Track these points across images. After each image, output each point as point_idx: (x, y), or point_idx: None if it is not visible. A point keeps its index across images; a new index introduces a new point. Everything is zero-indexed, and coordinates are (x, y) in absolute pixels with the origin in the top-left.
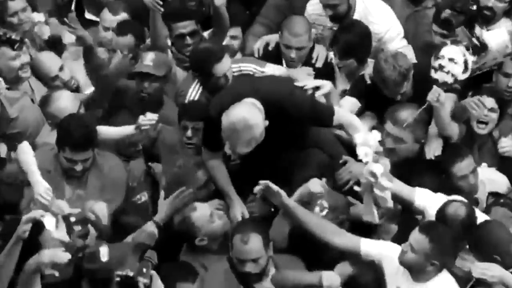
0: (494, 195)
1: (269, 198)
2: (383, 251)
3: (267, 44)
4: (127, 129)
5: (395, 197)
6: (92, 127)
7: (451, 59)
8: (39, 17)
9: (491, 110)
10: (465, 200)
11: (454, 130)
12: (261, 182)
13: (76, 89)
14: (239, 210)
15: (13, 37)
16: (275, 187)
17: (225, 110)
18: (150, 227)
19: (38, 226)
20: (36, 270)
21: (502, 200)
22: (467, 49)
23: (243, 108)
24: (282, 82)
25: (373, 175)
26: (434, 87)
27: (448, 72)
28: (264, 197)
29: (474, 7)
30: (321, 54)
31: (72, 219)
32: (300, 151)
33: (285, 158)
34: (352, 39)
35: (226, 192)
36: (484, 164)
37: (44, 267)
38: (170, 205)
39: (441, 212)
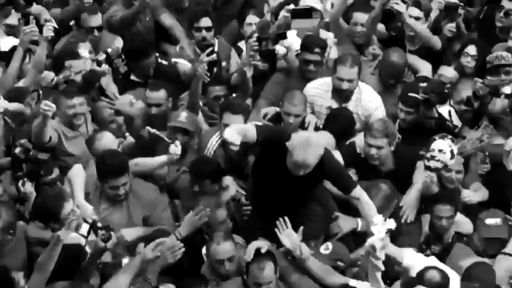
0: (458, 234)
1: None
2: None
3: (265, 115)
4: (161, 159)
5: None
6: (123, 155)
7: (440, 150)
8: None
9: (458, 172)
10: (441, 268)
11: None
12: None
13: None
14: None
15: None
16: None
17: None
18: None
19: (80, 252)
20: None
21: (465, 239)
22: (452, 140)
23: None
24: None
25: (373, 248)
26: (428, 172)
27: (438, 160)
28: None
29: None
30: (312, 121)
31: (99, 224)
32: (307, 204)
33: (296, 203)
34: (341, 126)
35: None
36: None
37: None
38: (188, 222)
39: (420, 276)
